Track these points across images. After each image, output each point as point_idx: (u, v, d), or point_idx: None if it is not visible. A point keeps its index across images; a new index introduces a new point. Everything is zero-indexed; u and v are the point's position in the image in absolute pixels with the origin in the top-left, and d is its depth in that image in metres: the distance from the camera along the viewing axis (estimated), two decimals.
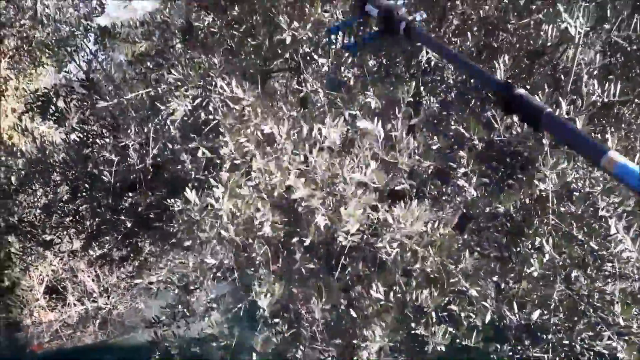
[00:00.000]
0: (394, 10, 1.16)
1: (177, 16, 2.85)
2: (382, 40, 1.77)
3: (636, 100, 2.54)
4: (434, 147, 2.66)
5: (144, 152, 2.70)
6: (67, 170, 3.43)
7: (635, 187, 0.75)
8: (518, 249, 2.39)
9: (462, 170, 2.46)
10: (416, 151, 2.45)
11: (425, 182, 2.65)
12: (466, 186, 2.46)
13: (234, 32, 2.82)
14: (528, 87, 2.67)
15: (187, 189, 2.02)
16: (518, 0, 2.31)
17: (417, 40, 1.18)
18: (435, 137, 2.74)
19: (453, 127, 2.60)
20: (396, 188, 2.49)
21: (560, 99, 2.21)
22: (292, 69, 3.05)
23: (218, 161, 2.43)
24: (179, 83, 2.64)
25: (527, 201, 2.35)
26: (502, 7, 2.43)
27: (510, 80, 2.48)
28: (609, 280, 2.18)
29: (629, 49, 2.34)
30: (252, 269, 2.61)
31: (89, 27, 3.39)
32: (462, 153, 2.45)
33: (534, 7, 2.30)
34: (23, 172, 3.32)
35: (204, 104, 2.62)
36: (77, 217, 3.51)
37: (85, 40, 3.47)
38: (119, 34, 3.31)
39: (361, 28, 1.45)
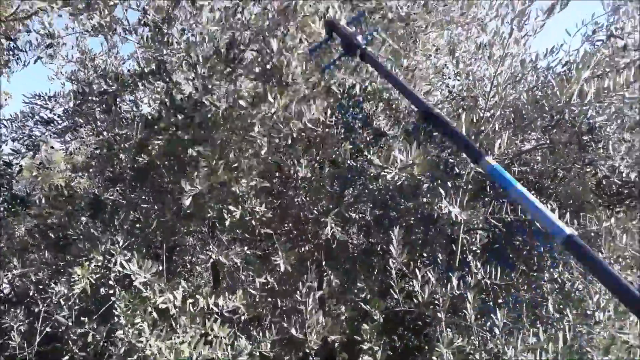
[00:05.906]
0: (352, 38, 1.47)
1: (86, 189, 2.86)
2: (346, 60, 2.04)
3: (522, 267, 2.73)
4: (342, 318, 2.66)
5: (32, 333, 2.50)
6: None
7: (504, 188, 0.95)
8: None
9: (367, 345, 2.44)
10: (324, 327, 2.43)
11: (334, 356, 2.59)
12: None
13: (142, 206, 2.85)
14: (425, 254, 2.81)
15: None
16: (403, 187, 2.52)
17: (369, 62, 1.45)
18: (342, 307, 2.76)
19: (358, 299, 2.63)
20: None
21: (450, 274, 2.34)
22: (200, 238, 3.07)
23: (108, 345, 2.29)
24: (79, 259, 2.56)
25: None
26: (392, 188, 2.63)
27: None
28: None
29: (506, 225, 2.56)
30: None
31: None
32: (365, 326, 2.46)
33: (417, 191, 2.51)
34: None
35: (102, 281, 2.53)
36: None
37: None
38: (30, 201, 3.27)
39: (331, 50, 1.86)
